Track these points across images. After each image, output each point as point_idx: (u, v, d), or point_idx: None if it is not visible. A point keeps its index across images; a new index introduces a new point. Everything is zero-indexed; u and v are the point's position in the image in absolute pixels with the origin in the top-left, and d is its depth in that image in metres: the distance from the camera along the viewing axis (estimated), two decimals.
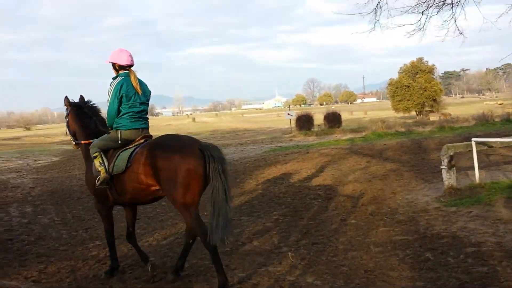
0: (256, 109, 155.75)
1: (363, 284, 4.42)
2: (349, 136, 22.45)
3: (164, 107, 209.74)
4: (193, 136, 4.94)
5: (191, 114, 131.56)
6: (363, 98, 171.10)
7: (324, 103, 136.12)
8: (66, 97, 5.42)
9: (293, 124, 28.66)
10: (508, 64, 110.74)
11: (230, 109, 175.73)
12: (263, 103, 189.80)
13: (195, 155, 4.33)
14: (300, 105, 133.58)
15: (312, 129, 27.42)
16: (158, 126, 62.57)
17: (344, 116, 33.26)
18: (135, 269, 5.25)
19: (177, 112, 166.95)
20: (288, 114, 29.94)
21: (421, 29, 9.77)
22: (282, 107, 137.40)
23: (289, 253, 5.46)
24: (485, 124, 23.38)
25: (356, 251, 5.40)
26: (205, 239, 4.23)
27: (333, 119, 28.43)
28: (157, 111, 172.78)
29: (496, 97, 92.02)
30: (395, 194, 8.36)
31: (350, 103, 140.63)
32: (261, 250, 5.71)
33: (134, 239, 5.29)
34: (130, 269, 5.28)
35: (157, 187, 4.53)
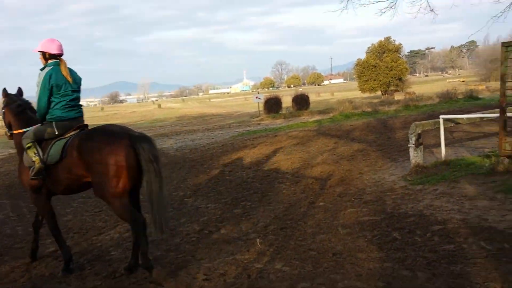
0: (224, 93, 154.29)
1: (332, 268, 4.34)
2: (317, 117, 22.53)
3: (129, 94, 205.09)
4: (125, 126, 4.87)
5: (156, 100, 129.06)
6: (330, 79, 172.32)
7: (292, 86, 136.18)
8: (4, 89, 5.31)
9: (261, 108, 28.48)
10: (473, 42, 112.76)
11: (198, 94, 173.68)
12: (230, 87, 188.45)
13: (124, 146, 4.30)
14: (268, 88, 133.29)
15: (280, 112, 27.34)
16: (123, 113, 61.13)
17: (312, 98, 33.30)
18: (95, 265, 4.99)
19: (142, 99, 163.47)
20: (257, 97, 29.75)
21: (393, 7, 9.75)
22: (250, 91, 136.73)
23: (257, 239, 5.34)
24: (449, 101, 23.95)
25: (324, 234, 5.32)
26: (137, 228, 4.26)
27: (301, 101, 28.42)
28: (121, 98, 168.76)
29: (459, 74, 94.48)
30: (363, 174, 8.36)
31: (318, 85, 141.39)
32: (228, 238, 5.56)
33: (39, 226, 5.31)
34: (90, 264, 5.01)
35: (89, 178, 4.49)
